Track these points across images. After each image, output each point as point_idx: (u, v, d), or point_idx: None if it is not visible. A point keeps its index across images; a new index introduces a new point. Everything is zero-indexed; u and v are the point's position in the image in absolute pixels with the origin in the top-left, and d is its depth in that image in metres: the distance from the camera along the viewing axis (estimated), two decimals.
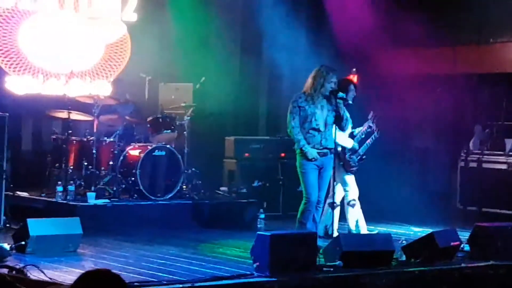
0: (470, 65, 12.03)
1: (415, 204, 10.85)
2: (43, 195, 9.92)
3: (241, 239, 8.95)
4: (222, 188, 11.05)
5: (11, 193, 9.56)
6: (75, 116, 10.16)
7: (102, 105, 10.24)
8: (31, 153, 11.21)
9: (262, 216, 9.58)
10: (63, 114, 10.16)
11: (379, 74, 11.35)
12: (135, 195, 9.86)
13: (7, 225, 8.86)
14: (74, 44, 11.27)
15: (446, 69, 12.04)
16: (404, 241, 8.12)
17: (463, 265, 7.75)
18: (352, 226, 9.11)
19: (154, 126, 10.37)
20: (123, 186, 9.91)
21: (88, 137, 10.14)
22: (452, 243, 7.90)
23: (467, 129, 11.86)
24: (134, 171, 9.76)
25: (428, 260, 7.57)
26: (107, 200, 9.62)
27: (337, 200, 9.15)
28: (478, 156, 11.61)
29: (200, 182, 10.62)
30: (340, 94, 8.28)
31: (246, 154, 11.22)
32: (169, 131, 10.37)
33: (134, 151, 10.00)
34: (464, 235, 8.39)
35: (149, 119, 10.42)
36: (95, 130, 10.06)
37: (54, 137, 10.46)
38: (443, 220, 10.44)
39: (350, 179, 9.10)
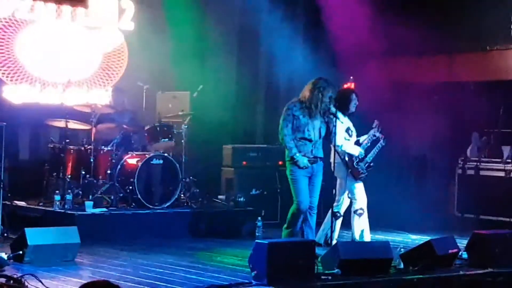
0: (467, 72, 12.05)
1: (413, 211, 10.86)
2: (40, 204, 9.91)
3: (239, 248, 8.95)
4: (220, 197, 11.05)
5: (9, 202, 9.55)
6: (73, 125, 10.16)
7: (100, 114, 10.25)
8: (29, 162, 11.20)
9: (260, 224, 9.58)
10: (60, 123, 10.15)
11: (376, 82, 11.36)
12: (133, 204, 9.86)
13: (5, 234, 8.85)
14: (71, 53, 11.29)
15: (443, 76, 12.07)
16: (402, 249, 8.11)
17: (461, 272, 7.74)
18: (357, 235, 8.98)
19: (151, 134, 10.38)
20: (121, 195, 9.91)
21: (86, 146, 10.13)
22: (450, 251, 7.90)
23: (465, 136, 11.87)
24: (131, 179, 9.76)
25: (426, 267, 7.56)
26: (105, 209, 9.62)
27: (342, 210, 9.07)
28: (475, 163, 11.62)
29: (197, 190, 10.62)
30: (332, 109, 8.33)
31: (244, 163, 11.22)
32: (167, 139, 10.38)
33: (131, 160, 10.00)
34: (462, 242, 8.39)
35: (147, 127, 10.43)
36: (92, 139, 10.06)
37: (51, 146, 10.45)
38: (441, 228, 10.45)
39: (359, 187, 9.01)
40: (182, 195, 10.34)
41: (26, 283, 6.42)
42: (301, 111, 8.32)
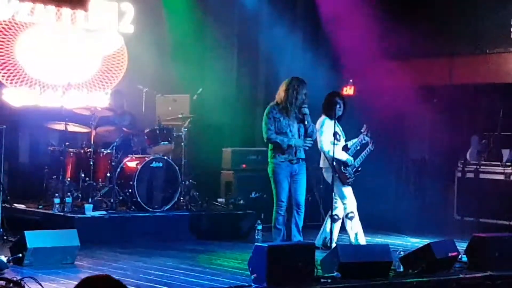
0: (466, 76, 12.06)
1: (412, 215, 10.86)
2: (40, 207, 9.91)
3: (238, 251, 8.95)
4: (219, 200, 11.05)
5: (8, 205, 9.55)
6: (72, 127, 10.16)
7: (99, 117, 10.25)
8: (28, 165, 11.20)
9: (260, 227, 9.57)
10: (60, 126, 10.15)
11: (376, 85, 11.37)
12: (133, 207, 9.86)
13: (4, 237, 8.84)
14: (71, 56, 11.30)
15: (443, 80, 12.07)
16: (401, 252, 8.10)
17: (460, 275, 7.73)
18: (352, 239, 9.09)
19: (151, 137, 10.38)
20: (120, 197, 9.91)
21: (85, 148, 10.13)
22: (449, 254, 7.90)
23: (464, 139, 11.87)
24: (131, 182, 9.75)
25: (425, 271, 7.56)
26: (104, 212, 9.62)
27: (339, 213, 9.13)
28: (475, 166, 11.62)
29: (197, 193, 10.62)
30: (304, 110, 8.61)
31: (244, 166, 11.22)
32: (166, 142, 10.38)
33: (131, 163, 10.00)
34: (462, 245, 8.38)
35: (146, 130, 10.43)
36: (92, 141, 10.06)
37: (51, 149, 10.46)
38: (441, 231, 10.45)
39: (348, 191, 9.09)
40: (181, 198, 10.34)
41: (25, 286, 6.41)
42: (280, 113, 8.68)
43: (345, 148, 9.17)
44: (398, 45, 11.46)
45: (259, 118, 12.89)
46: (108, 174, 9.95)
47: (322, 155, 9.08)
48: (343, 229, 9.24)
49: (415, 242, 9.79)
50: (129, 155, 10.13)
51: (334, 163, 8.99)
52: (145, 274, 7.39)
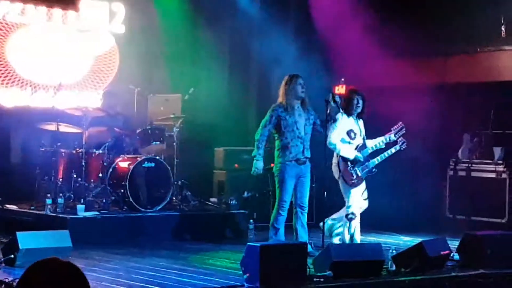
0: (458, 74, 12.08)
1: (404, 213, 10.87)
2: (32, 208, 9.88)
3: (231, 250, 8.95)
4: (212, 199, 11.05)
5: (0, 206, 9.52)
6: (64, 128, 10.14)
7: (91, 117, 10.23)
8: (20, 165, 11.17)
9: (252, 227, 9.57)
10: (52, 127, 10.13)
11: (369, 84, 11.38)
12: (125, 207, 9.85)
13: None
14: (62, 56, 11.28)
15: (435, 78, 12.08)
16: (394, 251, 8.12)
17: (453, 274, 7.76)
18: (346, 239, 8.94)
19: (143, 137, 10.37)
20: (113, 198, 9.89)
21: (77, 149, 10.12)
22: (442, 252, 7.91)
23: (456, 138, 11.89)
24: (123, 183, 9.74)
25: (418, 269, 7.58)
26: (96, 212, 9.60)
27: (355, 211, 8.93)
28: (467, 164, 11.65)
29: (189, 193, 10.62)
30: (337, 97, 8.71)
31: (236, 165, 11.22)
32: (158, 142, 10.37)
33: (123, 163, 9.99)
34: (454, 244, 8.40)
35: (138, 130, 10.42)
36: (84, 142, 10.04)
37: (43, 149, 10.43)
38: (433, 229, 10.47)
39: (354, 192, 8.88)
40: (174, 198, 10.34)
41: None
42: (286, 111, 8.68)
43: (362, 147, 8.97)
44: (391, 44, 11.46)
45: (251, 118, 12.92)
46: (100, 175, 9.94)
47: (335, 153, 8.95)
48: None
49: (408, 241, 9.80)
50: (121, 155, 10.11)
51: (340, 162, 8.88)
52: (137, 274, 7.38)
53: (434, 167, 11.77)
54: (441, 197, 11.91)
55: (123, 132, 10.44)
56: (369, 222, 9.75)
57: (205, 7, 12.21)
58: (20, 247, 7.48)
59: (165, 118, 10.93)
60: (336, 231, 8.99)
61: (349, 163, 8.90)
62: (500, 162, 11.35)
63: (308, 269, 7.11)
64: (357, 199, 8.94)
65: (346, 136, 8.91)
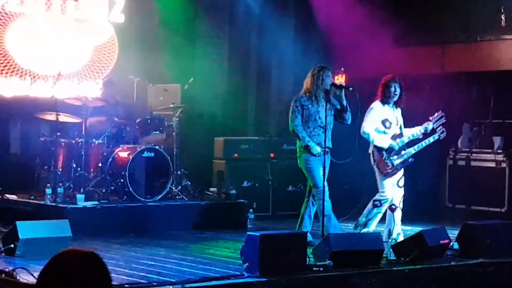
0: (457, 64, 12.07)
1: (404, 202, 10.86)
2: (32, 197, 9.88)
3: (230, 240, 8.96)
4: (211, 189, 11.05)
5: (0, 196, 9.52)
6: (64, 118, 10.14)
7: (91, 107, 10.23)
8: (20, 155, 11.17)
9: (252, 216, 9.58)
10: (51, 116, 10.13)
11: (367, 74, 11.37)
12: (124, 197, 9.85)
13: None
14: (61, 46, 11.25)
15: (434, 68, 12.07)
16: (393, 240, 8.13)
17: (452, 263, 7.77)
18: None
19: (142, 127, 10.37)
20: (112, 188, 9.89)
21: (77, 139, 10.11)
22: (441, 242, 7.92)
23: (455, 127, 11.88)
24: (123, 172, 9.74)
25: (417, 258, 7.58)
26: (96, 202, 9.60)
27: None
28: (466, 154, 11.66)
29: (189, 183, 10.62)
30: (326, 86, 8.55)
31: (235, 155, 11.22)
32: (158, 132, 10.37)
33: (123, 153, 9.98)
34: (453, 233, 8.41)
35: (138, 120, 10.41)
36: (83, 132, 10.04)
37: (42, 139, 10.43)
38: (432, 219, 10.49)
39: (387, 182, 8.78)
40: (173, 188, 10.33)
41: (17, 277, 6.41)
42: (309, 101, 8.61)
43: (398, 136, 8.84)
44: (389, 33, 11.45)
45: (251, 107, 12.93)
46: (100, 164, 9.94)
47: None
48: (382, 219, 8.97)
49: (407, 230, 9.81)
50: (120, 145, 10.11)
51: (375, 151, 8.78)
52: (137, 264, 7.39)
53: (434, 156, 11.76)
54: (440, 187, 11.93)
55: (122, 122, 10.44)
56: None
57: None
58: (20, 237, 7.48)
59: (165, 108, 10.93)
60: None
61: (384, 152, 8.76)
62: (500, 151, 11.35)
63: (307, 259, 7.12)
64: (390, 191, 8.80)
65: (381, 125, 8.78)
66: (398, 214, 8.89)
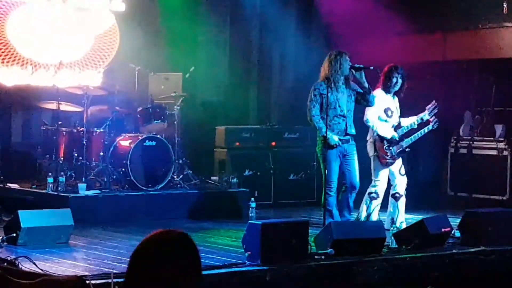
0: (459, 51, 12.04)
1: (405, 190, 10.84)
2: (33, 186, 9.89)
3: (232, 229, 8.97)
4: (213, 178, 11.05)
5: (2, 185, 9.54)
6: (65, 107, 10.13)
7: (92, 96, 10.22)
8: (21, 144, 11.18)
9: (253, 205, 9.59)
10: (52, 105, 10.13)
11: (369, 62, 11.35)
12: (126, 186, 9.85)
13: None
14: (62, 34, 11.22)
15: (435, 56, 12.05)
16: (395, 228, 8.13)
17: (454, 251, 7.78)
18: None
19: (144, 116, 10.36)
20: (114, 176, 9.90)
21: (78, 128, 10.11)
22: (443, 230, 7.93)
23: (457, 115, 11.87)
24: (124, 161, 9.74)
25: (419, 246, 7.59)
26: (98, 191, 9.61)
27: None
28: (468, 142, 11.65)
29: (190, 171, 10.62)
30: (358, 65, 8.51)
31: (237, 144, 11.21)
32: (159, 121, 10.36)
33: (124, 142, 9.98)
34: (455, 221, 8.42)
35: (139, 109, 10.41)
36: (85, 120, 10.03)
37: (44, 128, 10.43)
38: (434, 207, 10.48)
39: (383, 172, 8.75)
40: (175, 177, 10.33)
41: (20, 265, 6.43)
42: (328, 88, 8.42)
43: (398, 126, 8.83)
44: (390, 21, 11.41)
45: (252, 96, 12.92)
46: (101, 153, 9.94)
47: (370, 129, 8.82)
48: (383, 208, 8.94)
49: (408, 218, 9.80)
50: (122, 134, 10.10)
51: (376, 140, 8.73)
52: None
53: (435, 144, 11.76)
54: (442, 175, 11.92)
55: (124, 111, 10.43)
56: None
57: None
58: (22, 226, 7.50)
59: (166, 96, 10.91)
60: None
61: (385, 142, 8.74)
62: (502, 139, 11.34)
63: (309, 247, 7.13)
64: (384, 181, 8.79)
65: (383, 114, 8.76)
66: (402, 202, 8.87)
